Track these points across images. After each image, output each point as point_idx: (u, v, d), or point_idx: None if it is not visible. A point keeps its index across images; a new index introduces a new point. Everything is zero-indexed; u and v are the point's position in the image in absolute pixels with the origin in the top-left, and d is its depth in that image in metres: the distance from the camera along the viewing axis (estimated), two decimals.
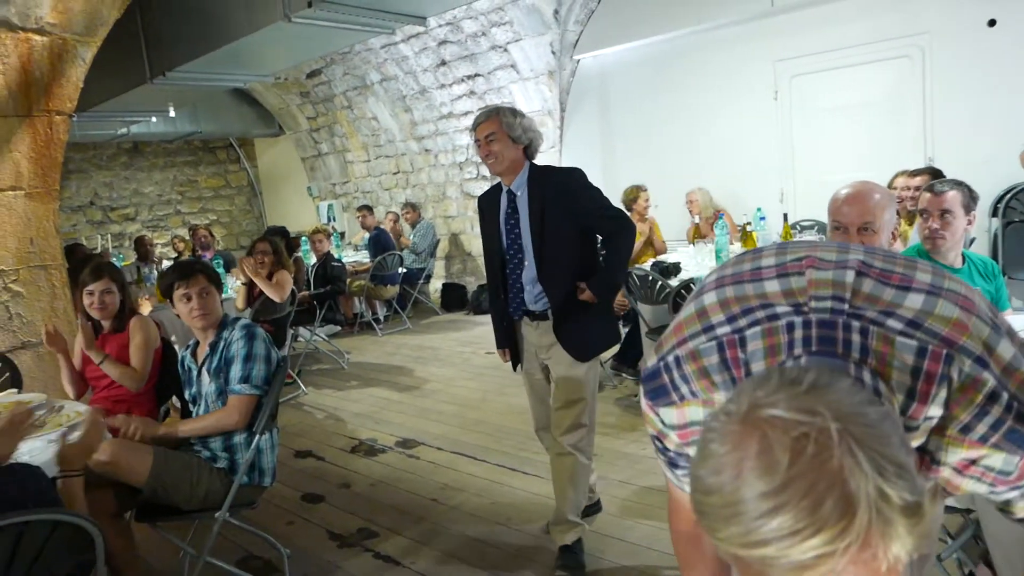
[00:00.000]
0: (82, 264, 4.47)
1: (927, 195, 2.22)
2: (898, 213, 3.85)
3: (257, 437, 2.40)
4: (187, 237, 9.02)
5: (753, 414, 0.64)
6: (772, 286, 0.92)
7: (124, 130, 8.80)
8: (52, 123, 3.68)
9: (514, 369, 2.75)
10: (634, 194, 5.47)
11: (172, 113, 7.63)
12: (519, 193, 2.52)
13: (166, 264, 7.23)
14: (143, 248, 7.74)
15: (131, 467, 2.25)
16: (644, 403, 0.99)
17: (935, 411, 0.81)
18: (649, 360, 0.99)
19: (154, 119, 8.43)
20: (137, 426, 2.42)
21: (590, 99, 6.99)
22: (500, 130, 2.45)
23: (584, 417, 2.54)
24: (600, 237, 2.65)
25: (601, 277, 2.54)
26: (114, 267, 3.15)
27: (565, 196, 2.47)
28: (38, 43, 3.49)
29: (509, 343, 2.71)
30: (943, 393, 0.81)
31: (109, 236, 10.10)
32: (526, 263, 2.53)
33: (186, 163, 11.17)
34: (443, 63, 7.27)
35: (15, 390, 3.15)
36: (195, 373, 2.58)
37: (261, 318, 4.84)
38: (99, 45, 3.77)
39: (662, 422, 0.98)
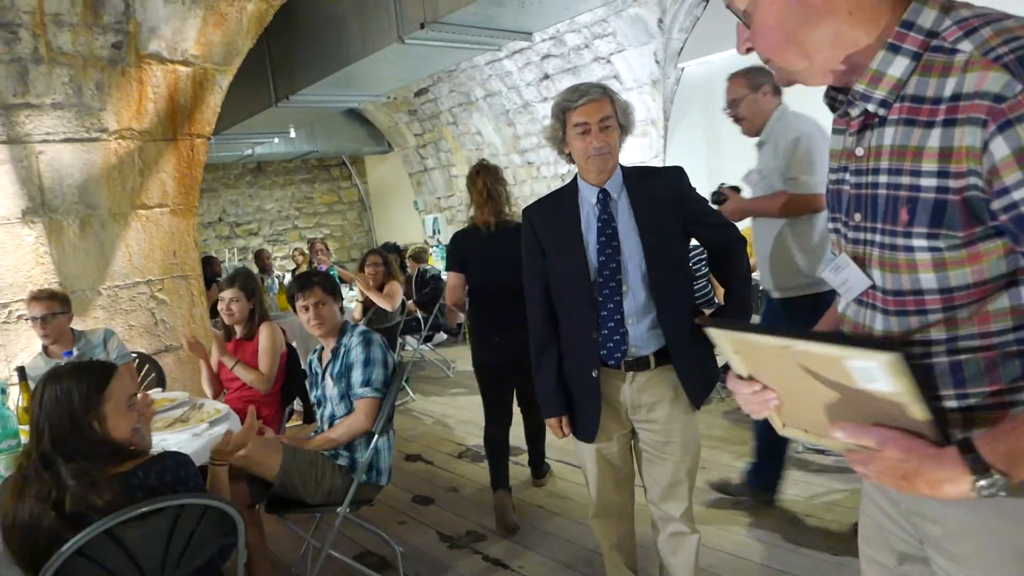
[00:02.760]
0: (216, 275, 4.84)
1: None
2: None
3: (376, 438, 2.53)
4: (306, 251, 9.58)
5: None
6: None
7: (250, 151, 9.48)
8: (193, 146, 4.04)
9: (590, 440, 2.03)
10: None
11: (292, 134, 8.16)
12: (617, 196, 1.96)
13: (286, 275, 7.71)
14: (262, 261, 8.27)
15: (264, 462, 2.42)
16: None
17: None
18: None
19: (276, 140, 9.05)
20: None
21: (695, 107, 6.88)
22: (614, 114, 1.91)
23: (695, 477, 2.10)
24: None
25: (737, 305, 2.05)
26: (248, 277, 3.39)
27: (676, 200, 1.98)
28: (183, 73, 3.85)
29: (569, 409, 2.05)
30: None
31: (236, 250, 10.87)
32: (626, 288, 1.91)
33: (303, 180, 11.86)
34: (546, 77, 7.37)
35: (159, 389, 3.46)
36: (320, 376, 2.75)
37: (373, 327, 5.07)
38: (234, 73, 4.11)
39: None
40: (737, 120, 2.92)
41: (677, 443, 1.99)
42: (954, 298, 0.86)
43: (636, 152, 7.13)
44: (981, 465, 0.77)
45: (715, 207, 2.57)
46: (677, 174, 2.04)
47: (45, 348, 3.12)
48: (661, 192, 1.97)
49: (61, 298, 3.09)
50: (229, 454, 1.98)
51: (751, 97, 2.83)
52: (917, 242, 0.85)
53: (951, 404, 0.88)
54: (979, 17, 0.81)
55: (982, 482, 0.76)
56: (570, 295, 1.99)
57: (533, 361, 2.11)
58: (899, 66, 0.84)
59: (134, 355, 3.48)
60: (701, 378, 1.98)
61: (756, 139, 2.91)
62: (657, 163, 7.04)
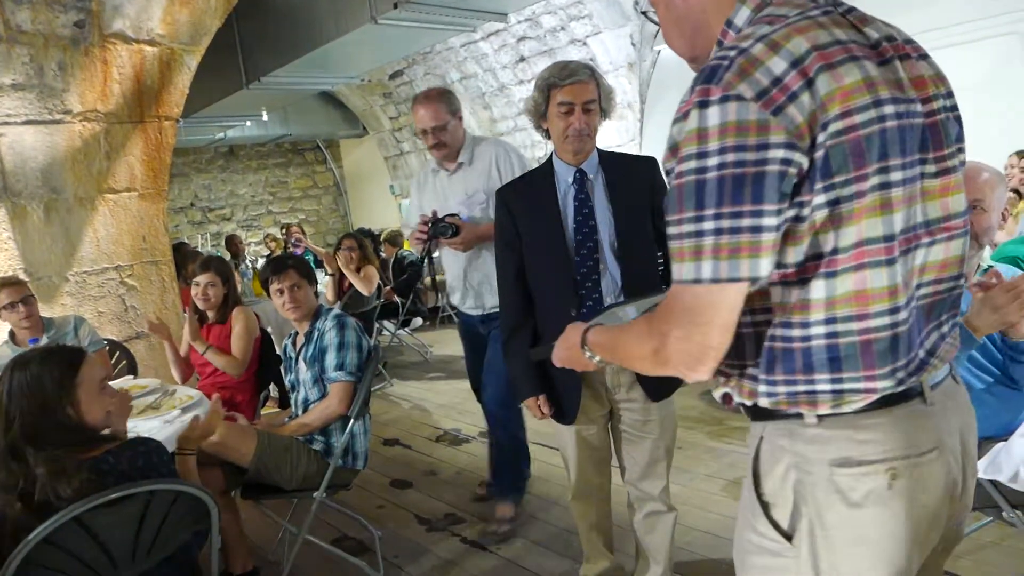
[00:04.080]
0: (188, 260, 4.76)
1: None
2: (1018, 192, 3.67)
3: (351, 422, 2.51)
4: (279, 236, 9.45)
5: None
6: None
7: (221, 135, 9.31)
8: (162, 128, 3.95)
9: (570, 422, 2.04)
10: None
11: (265, 117, 8.03)
12: (593, 177, 1.97)
13: (259, 261, 7.61)
14: (234, 247, 8.15)
15: (238, 448, 2.40)
16: None
17: None
18: None
19: (248, 123, 8.89)
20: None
21: (672, 90, 6.87)
22: (598, 98, 1.93)
23: (672, 456, 2.14)
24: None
25: None
26: (221, 262, 3.35)
27: (649, 190, 1.97)
28: (149, 53, 3.75)
29: (547, 388, 2.02)
30: None
31: (208, 236, 10.70)
32: (603, 267, 1.94)
33: (277, 165, 11.69)
34: (522, 59, 7.32)
35: (131, 376, 3.40)
36: (294, 361, 2.72)
37: (349, 311, 5.03)
38: (202, 53, 4.01)
39: None
40: (439, 146, 2.79)
41: (655, 422, 2.02)
42: None
43: (612, 135, 7.13)
44: (587, 346, 1.14)
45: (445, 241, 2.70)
46: (651, 165, 2.04)
47: (12, 336, 3.05)
48: (635, 179, 1.99)
49: (24, 283, 3.05)
50: (197, 441, 1.96)
51: (453, 122, 2.79)
52: None
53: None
54: (766, 18, 0.91)
55: (587, 354, 1.14)
56: (548, 274, 1.97)
57: (504, 346, 2.10)
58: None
59: (105, 342, 3.42)
60: None
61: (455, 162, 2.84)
62: (633, 146, 7.05)
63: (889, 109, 0.86)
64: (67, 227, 3.63)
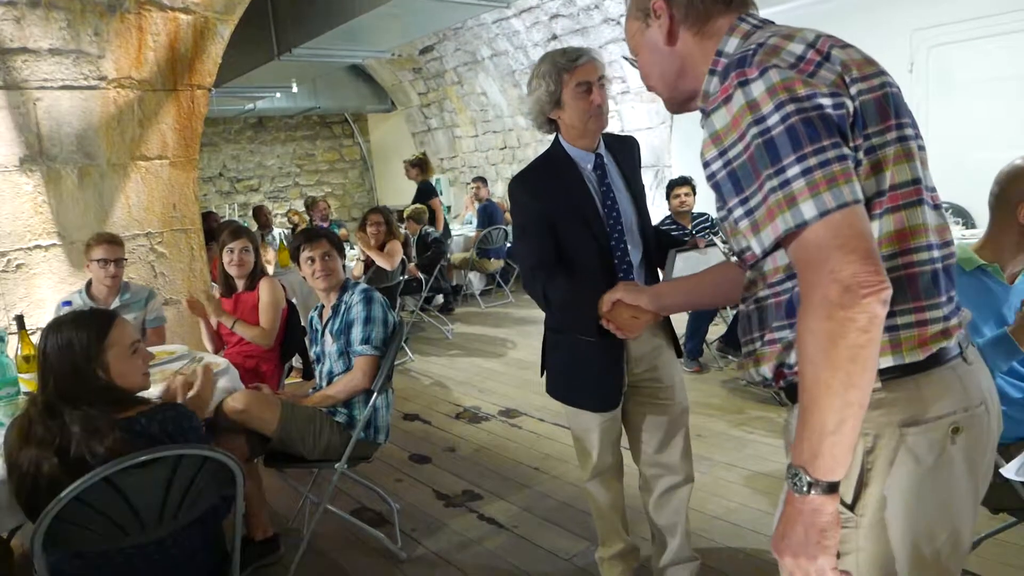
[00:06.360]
0: (220, 229, 4.80)
1: None
2: None
3: (375, 396, 2.53)
4: (300, 210, 9.51)
5: None
6: None
7: (251, 105, 9.35)
8: (194, 97, 3.97)
9: (613, 407, 2.04)
10: None
11: (295, 89, 8.03)
12: (607, 158, 2.00)
13: (285, 231, 7.66)
14: (262, 217, 8.21)
15: (262, 417, 2.43)
16: None
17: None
18: None
19: (278, 95, 8.91)
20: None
21: None
22: (605, 79, 1.94)
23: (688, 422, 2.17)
24: None
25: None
26: (250, 230, 3.39)
27: (638, 168, 2.08)
28: (183, 21, 3.76)
29: (588, 380, 2.04)
30: None
31: (236, 206, 10.80)
32: (625, 243, 1.97)
33: (305, 137, 11.73)
34: (554, 37, 7.23)
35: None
36: (320, 333, 2.74)
37: (374, 286, 5.06)
38: (236, 23, 4.01)
39: None
40: None
41: (676, 386, 2.08)
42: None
43: (643, 118, 7.05)
44: None
45: None
46: (638, 145, 2.13)
47: (88, 287, 3.12)
48: (632, 157, 2.07)
49: (123, 244, 3.16)
50: (172, 398, 1.97)
51: None
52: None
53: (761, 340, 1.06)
54: (759, 39, 0.97)
55: None
56: (589, 260, 1.93)
57: (545, 287, 1.94)
58: (714, 84, 1.04)
59: (165, 320, 3.43)
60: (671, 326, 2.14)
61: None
62: (664, 129, 6.96)
63: (889, 79, 0.96)
64: (100, 192, 3.68)
